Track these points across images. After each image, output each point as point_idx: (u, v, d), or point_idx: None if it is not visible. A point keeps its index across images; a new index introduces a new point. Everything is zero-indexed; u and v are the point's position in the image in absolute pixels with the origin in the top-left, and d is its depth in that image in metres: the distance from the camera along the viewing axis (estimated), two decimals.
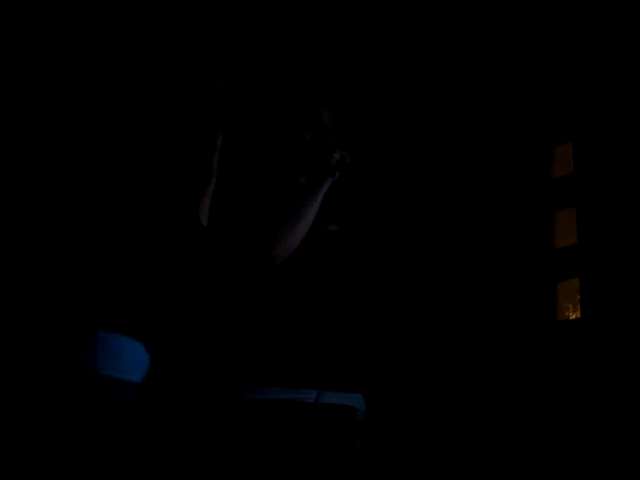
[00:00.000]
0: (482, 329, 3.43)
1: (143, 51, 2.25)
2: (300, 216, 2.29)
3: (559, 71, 3.37)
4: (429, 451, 3.42)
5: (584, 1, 3.28)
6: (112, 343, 2.04)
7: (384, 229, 3.50)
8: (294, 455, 2.26)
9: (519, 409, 3.25)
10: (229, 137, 3.15)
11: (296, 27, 3.53)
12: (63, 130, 2.83)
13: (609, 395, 2.98)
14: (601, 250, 3.12)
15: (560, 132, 3.39)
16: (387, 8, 3.60)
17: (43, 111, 2.93)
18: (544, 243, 3.36)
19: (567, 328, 3.25)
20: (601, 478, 2.92)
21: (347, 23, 3.60)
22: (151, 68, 2.21)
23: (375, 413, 2.57)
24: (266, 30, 3.48)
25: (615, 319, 3.02)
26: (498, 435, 3.28)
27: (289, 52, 3.48)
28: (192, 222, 2.18)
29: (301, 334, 2.31)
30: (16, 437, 2.17)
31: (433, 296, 3.56)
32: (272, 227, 2.27)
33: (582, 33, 3.29)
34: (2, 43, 2.96)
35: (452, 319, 3.51)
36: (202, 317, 2.79)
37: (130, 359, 2.07)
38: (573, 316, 3.26)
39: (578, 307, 3.22)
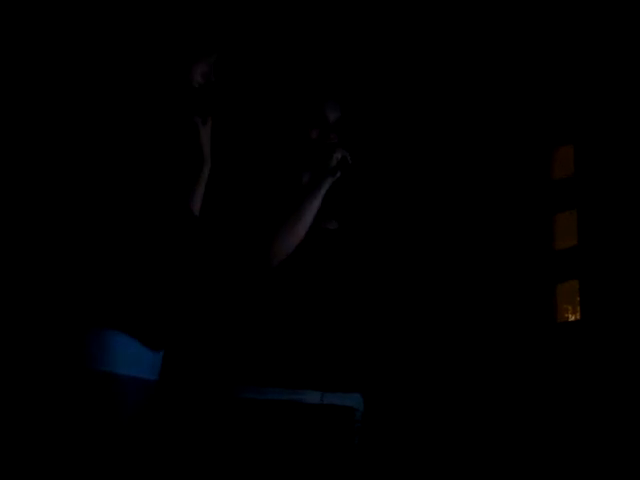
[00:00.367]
0: (482, 330, 3.43)
1: (135, 43, 2.23)
2: (299, 216, 2.28)
3: (560, 73, 3.37)
4: (427, 451, 3.42)
5: (585, 4, 3.28)
6: (111, 339, 2.04)
7: (384, 229, 3.50)
8: (292, 455, 2.26)
9: (518, 410, 3.25)
10: (231, 133, 3.15)
11: (304, 25, 3.53)
12: (52, 122, 2.82)
13: (608, 396, 2.98)
14: (601, 252, 3.12)
15: (561, 134, 3.39)
16: (390, 10, 3.60)
17: (34, 106, 2.93)
18: (544, 245, 3.36)
19: (566, 330, 3.25)
20: (601, 478, 2.92)
21: (354, 22, 3.60)
22: (141, 58, 2.19)
23: (374, 413, 2.57)
24: (274, 27, 3.48)
25: (614, 321, 3.03)
26: (497, 436, 3.28)
27: (296, 49, 3.48)
28: (184, 212, 2.17)
29: (300, 334, 2.30)
30: (15, 433, 2.17)
31: (433, 297, 3.56)
32: (271, 227, 2.26)
33: (583, 35, 3.29)
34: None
35: (452, 320, 3.51)
36: (202, 317, 2.79)
37: (130, 354, 2.06)
38: (572, 318, 3.26)
39: (578, 309, 3.23)
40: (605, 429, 2.96)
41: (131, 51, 2.24)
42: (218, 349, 2.43)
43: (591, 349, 3.08)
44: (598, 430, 2.99)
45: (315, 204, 2.30)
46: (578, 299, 3.22)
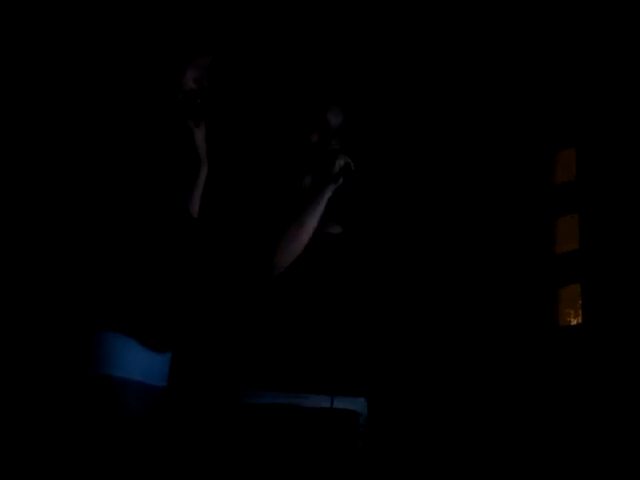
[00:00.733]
0: (484, 335, 3.43)
1: (129, 49, 2.25)
2: (303, 223, 2.29)
3: (562, 77, 3.37)
4: (431, 455, 3.42)
5: (586, 7, 3.28)
6: (115, 342, 2.04)
7: (387, 234, 3.50)
8: (295, 459, 2.26)
9: (521, 415, 3.25)
10: (234, 139, 3.16)
11: (306, 29, 3.53)
12: (50, 128, 2.83)
13: (610, 401, 2.98)
14: (603, 256, 3.12)
15: (563, 137, 3.39)
16: (391, 17, 3.60)
17: (34, 109, 2.93)
18: (546, 249, 3.36)
19: (569, 334, 3.25)
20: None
21: (356, 27, 3.60)
22: (134, 63, 2.21)
23: (377, 417, 2.57)
24: (276, 31, 3.48)
25: (616, 325, 3.03)
26: (500, 440, 3.28)
27: (298, 55, 3.48)
28: (183, 214, 2.18)
29: (304, 338, 2.31)
30: (18, 436, 2.18)
31: (435, 301, 3.56)
32: (275, 233, 2.27)
33: (585, 39, 3.29)
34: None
35: (454, 324, 3.51)
36: (208, 321, 2.79)
37: (135, 358, 2.06)
38: (574, 322, 3.26)
39: (580, 313, 3.22)
40: (608, 432, 2.96)
41: (125, 57, 2.25)
42: (223, 354, 2.44)
43: (593, 353, 3.08)
44: (601, 433, 2.98)
45: (318, 210, 2.30)
46: (580, 303, 3.21)
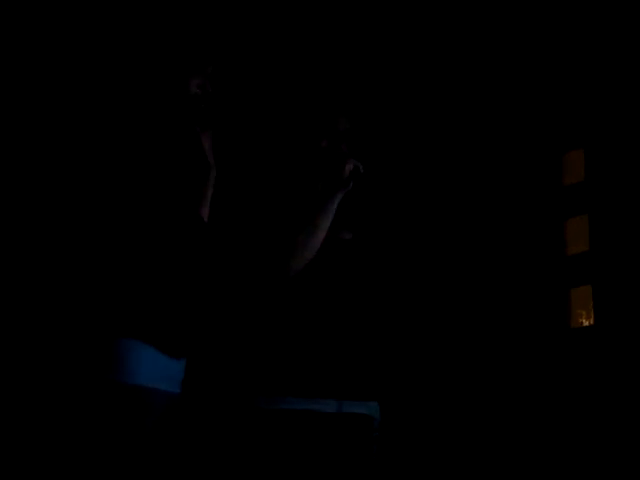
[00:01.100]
0: (497, 337, 3.43)
1: (132, 57, 2.27)
2: (314, 228, 2.29)
3: (570, 78, 3.37)
4: (444, 458, 3.42)
5: (596, 8, 3.28)
6: (133, 350, 2.05)
7: (398, 238, 3.50)
8: (311, 464, 2.26)
9: (536, 416, 3.24)
10: (243, 146, 3.17)
11: (314, 36, 3.54)
12: (58, 132, 2.85)
13: (623, 402, 2.97)
14: (613, 256, 3.11)
15: (571, 138, 3.39)
16: (399, 22, 3.61)
17: (38, 115, 2.95)
18: (556, 250, 3.36)
19: (581, 335, 3.24)
20: None
21: (363, 33, 3.61)
22: (138, 71, 2.23)
23: (390, 421, 2.57)
24: (285, 38, 3.49)
25: (629, 325, 3.02)
26: (513, 441, 3.28)
27: (306, 60, 3.49)
28: (194, 218, 2.20)
29: (316, 343, 2.31)
30: (38, 445, 2.18)
31: (447, 304, 3.56)
32: (285, 240, 2.27)
33: (593, 40, 3.29)
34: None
35: (467, 327, 3.51)
36: (219, 327, 2.80)
37: (153, 366, 2.07)
38: (587, 323, 3.25)
39: (591, 314, 3.22)
40: (620, 434, 2.95)
41: (129, 65, 2.28)
42: (237, 359, 2.44)
43: (606, 354, 3.07)
44: (613, 435, 2.98)
45: (329, 215, 2.30)
46: (592, 304, 3.21)
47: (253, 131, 3.26)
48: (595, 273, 3.19)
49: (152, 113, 2.17)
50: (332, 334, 2.34)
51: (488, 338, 3.45)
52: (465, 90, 3.68)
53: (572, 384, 3.16)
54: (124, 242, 2.08)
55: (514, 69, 3.56)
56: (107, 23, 3.04)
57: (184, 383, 2.21)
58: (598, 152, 3.25)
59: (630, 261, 3.05)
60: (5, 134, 2.94)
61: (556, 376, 3.22)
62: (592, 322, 3.21)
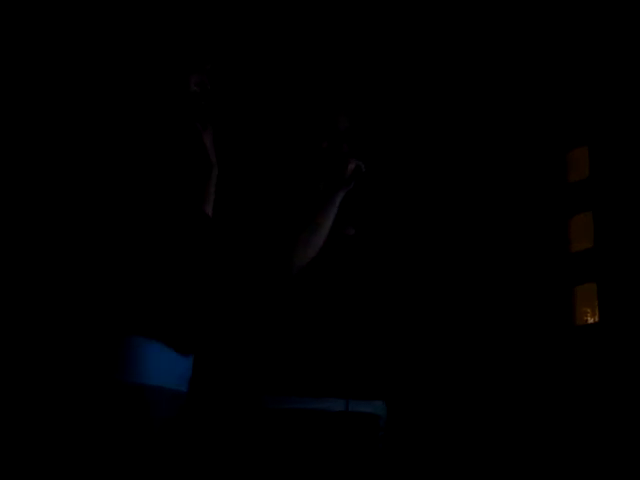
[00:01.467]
0: (501, 335, 3.42)
1: (131, 57, 2.28)
2: (317, 227, 2.29)
3: (574, 75, 3.37)
4: (449, 456, 3.42)
5: (600, 6, 3.28)
6: (140, 347, 2.05)
7: (402, 237, 3.50)
8: (316, 463, 2.26)
9: (540, 414, 3.24)
10: (245, 145, 3.17)
11: (315, 35, 3.54)
12: (59, 132, 2.86)
13: (628, 399, 2.96)
14: (618, 254, 3.11)
15: (576, 136, 3.38)
16: (401, 21, 3.61)
17: (38, 115, 2.96)
18: (560, 247, 3.35)
19: (586, 333, 3.24)
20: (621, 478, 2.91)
21: (364, 33, 3.61)
22: (138, 71, 2.25)
23: (396, 420, 2.57)
24: (285, 38, 3.49)
25: (633, 323, 3.01)
26: (518, 438, 3.28)
27: (307, 60, 3.49)
28: (199, 215, 2.21)
29: (321, 342, 2.31)
30: (45, 445, 2.19)
31: (452, 302, 3.56)
32: (288, 239, 2.27)
33: (597, 37, 3.29)
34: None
35: (471, 325, 3.51)
36: (224, 325, 2.80)
37: (161, 364, 2.07)
38: (591, 320, 3.25)
39: (596, 311, 3.21)
40: (625, 431, 2.95)
41: (129, 64, 2.29)
42: (241, 359, 2.44)
43: (611, 351, 3.07)
44: (618, 432, 2.97)
45: (331, 215, 2.31)
46: (596, 302, 3.20)
47: (255, 130, 3.26)
48: (600, 270, 3.19)
49: (152, 112, 2.18)
50: (337, 332, 2.34)
51: (493, 336, 3.44)
52: (469, 88, 3.68)
53: (577, 381, 3.16)
54: (129, 239, 2.09)
55: (518, 67, 3.55)
56: (106, 22, 3.05)
57: (191, 382, 2.22)
58: (602, 149, 3.24)
59: (634, 258, 3.04)
60: (4, 130, 2.95)
61: (561, 373, 3.21)
62: (597, 319, 3.21)
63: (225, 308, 2.66)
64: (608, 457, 2.98)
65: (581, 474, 3.06)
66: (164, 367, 2.08)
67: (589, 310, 3.26)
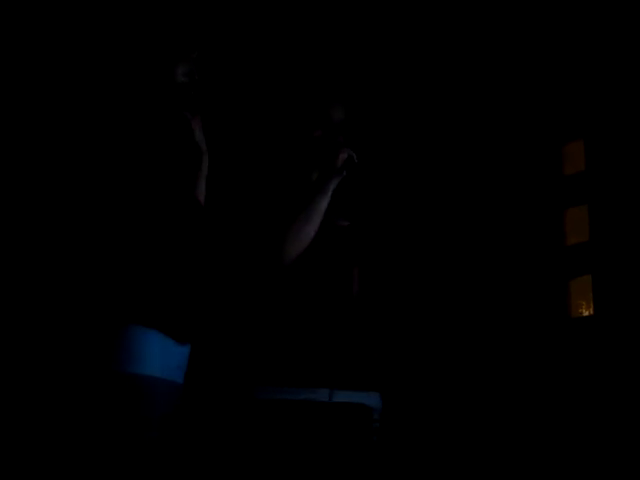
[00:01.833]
0: (496, 328, 3.43)
1: (124, 46, 2.29)
2: (307, 217, 2.29)
3: (570, 68, 3.37)
4: (446, 450, 3.42)
5: (596, 1, 3.28)
6: (137, 337, 2.05)
7: (396, 226, 3.50)
8: (308, 455, 2.26)
9: (534, 406, 3.24)
10: (238, 135, 3.17)
11: (307, 25, 3.54)
12: (53, 129, 2.87)
13: (623, 392, 2.97)
14: (613, 247, 3.11)
15: (571, 129, 3.38)
16: (398, 8, 3.61)
17: (31, 111, 2.97)
18: (555, 240, 3.36)
19: (581, 325, 3.24)
20: (617, 474, 2.91)
21: (357, 22, 3.61)
22: (126, 62, 2.25)
23: (393, 412, 2.57)
24: (278, 28, 3.49)
25: (628, 316, 3.02)
26: (513, 432, 3.28)
27: (300, 50, 3.49)
28: (191, 203, 2.21)
29: (314, 332, 2.31)
30: (42, 438, 2.19)
31: (446, 294, 3.56)
32: (280, 228, 2.27)
33: (592, 30, 3.28)
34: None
35: (466, 318, 3.51)
36: (214, 317, 2.80)
37: (158, 354, 2.07)
38: (586, 313, 3.25)
39: (591, 304, 3.22)
40: (620, 424, 2.95)
41: (115, 56, 2.29)
42: (232, 350, 2.44)
43: (606, 344, 3.07)
44: (613, 425, 2.98)
45: (323, 204, 2.31)
46: (591, 294, 3.21)
47: (248, 120, 3.26)
48: (595, 263, 3.19)
49: (141, 103, 2.19)
50: (329, 323, 2.34)
51: (488, 328, 3.45)
52: (464, 80, 3.68)
53: (572, 374, 3.16)
54: (124, 229, 2.09)
55: (514, 59, 3.55)
56: (91, 15, 3.06)
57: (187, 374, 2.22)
58: (598, 142, 3.24)
59: (630, 251, 3.04)
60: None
61: (556, 366, 3.21)
62: (592, 312, 3.21)
63: (217, 298, 2.66)
64: (604, 448, 2.98)
65: (576, 465, 3.06)
66: (161, 357, 2.08)
67: (584, 303, 3.27)
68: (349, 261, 2.44)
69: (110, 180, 2.11)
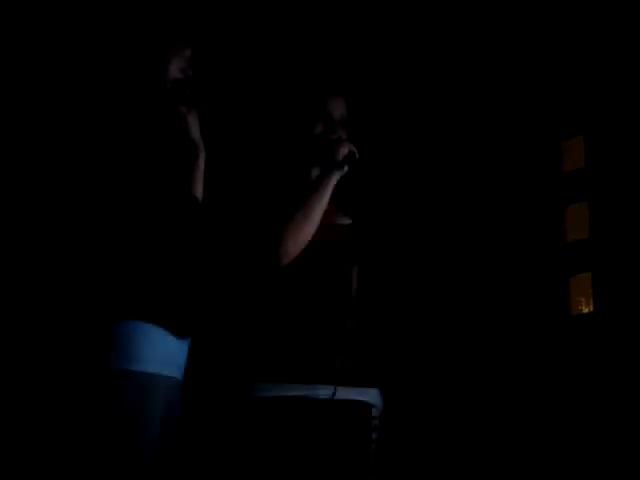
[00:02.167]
0: (496, 325, 3.42)
1: (118, 43, 2.28)
2: (307, 213, 2.27)
3: (570, 64, 3.36)
4: (446, 447, 3.42)
5: None
6: (133, 334, 2.04)
7: (397, 224, 3.50)
8: (307, 452, 2.25)
9: (535, 404, 3.24)
10: (238, 131, 3.16)
11: (308, 20, 3.53)
12: (50, 128, 2.86)
13: (623, 389, 2.96)
14: (613, 243, 3.11)
15: (571, 125, 3.37)
16: (400, 4, 3.60)
17: (29, 110, 2.96)
18: (555, 237, 3.35)
19: (580, 322, 3.24)
20: (617, 471, 2.91)
21: (358, 17, 3.60)
22: (120, 59, 2.25)
23: (394, 409, 2.56)
24: (279, 23, 3.48)
25: (628, 313, 3.01)
26: (512, 428, 3.28)
27: (301, 45, 3.49)
28: (187, 198, 2.20)
29: (313, 330, 2.30)
30: (42, 436, 2.18)
31: (447, 291, 3.56)
32: (280, 225, 2.26)
33: (591, 26, 3.28)
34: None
35: (466, 315, 3.51)
36: (214, 314, 2.80)
37: (158, 350, 2.07)
38: (586, 310, 3.25)
39: (591, 301, 3.21)
40: (620, 422, 2.95)
41: (110, 54, 2.29)
42: (231, 346, 2.44)
43: (605, 341, 3.07)
44: (613, 423, 2.97)
45: (324, 199, 2.29)
46: (591, 291, 3.20)
47: (247, 116, 3.25)
48: (595, 260, 3.19)
49: (135, 99, 2.18)
50: (330, 320, 2.33)
51: (488, 325, 3.44)
52: (464, 77, 3.67)
53: (571, 371, 3.16)
54: (122, 223, 2.09)
55: (514, 55, 3.55)
56: (87, 11, 3.05)
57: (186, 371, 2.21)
58: (598, 139, 3.24)
59: (630, 248, 3.04)
60: None
61: (556, 363, 3.21)
62: (591, 309, 3.21)
63: (216, 293, 2.65)
64: (604, 444, 2.98)
65: (576, 463, 3.06)
66: (160, 353, 2.08)
67: (584, 300, 3.26)
68: (349, 258, 2.43)
69: (106, 176, 2.10)
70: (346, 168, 2.30)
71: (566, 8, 3.36)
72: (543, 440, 3.19)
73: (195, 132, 2.26)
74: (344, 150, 2.29)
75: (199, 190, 2.28)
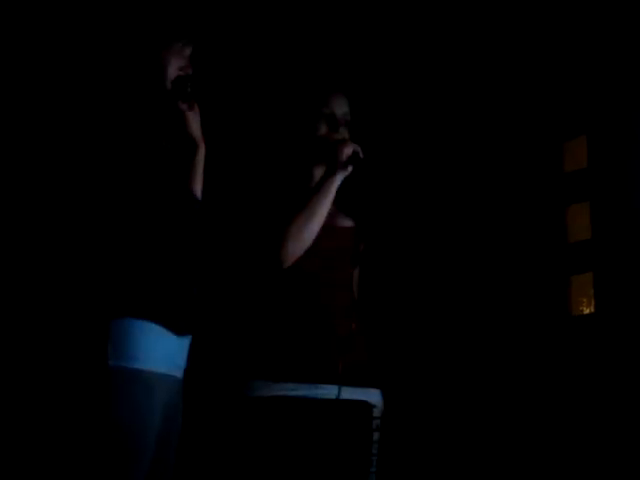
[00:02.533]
0: (497, 325, 3.43)
1: (118, 43, 2.28)
2: (311, 214, 2.26)
3: (572, 65, 3.36)
4: (447, 446, 3.42)
5: None
6: (133, 332, 2.04)
7: (399, 225, 3.50)
8: (309, 452, 2.25)
9: (536, 404, 3.24)
10: (242, 132, 3.16)
11: (311, 20, 3.53)
12: (52, 128, 2.87)
13: (624, 390, 2.97)
14: (614, 244, 3.11)
15: (574, 125, 3.37)
16: (402, 4, 3.60)
17: (30, 109, 2.97)
18: (557, 237, 3.35)
19: (581, 323, 3.24)
20: (617, 471, 2.91)
21: (360, 16, 3.60)
22: (124, 58, 2.25)
23: (395, 409, 2.56)
24: (283, 23, 3.48)
25: (629, 313, 3.02)
26: (513, 428, 3.28)
27: (304, 45, 3.48)
28: (187, 195, 2.20)
29: (314, 329, 2.30)
30: (44, 434, 2.18)
31: (449, 290, 3.56)
32: (284, 225, 2.25)
33: (593, 26, 3.28)
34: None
35: (468, 315, 3.51)
36: (214, 314, 2.80)
37: (159, 348, 2.06)
38: (587, 310, 3.25)
39: (592, 302, 3.21)
40: (621, 422, 2.95)
41: (110, 54, 2.29)
42: (233, 345, 2.43)
43: (606, 342, 3.07)
44: (614, 423, 2.98)
45: (327, 201, 2.28)
46: (592, 291, 3.20)
47: (250, 116, 3.25)
48: (596, 260, 3.19)
49: (136, 97, 2.18)
50: (332, 319, 2.32)
51: (489, 325, 3.45)
52: (466, 77, 3.67)
53: (572, 371, 3.16)
54: (121, 221, 2.09)
55: (516, 56, 3.55)
56: (87, 10, 3.05)
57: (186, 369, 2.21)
58: (600, 139, 3.23)
59: (631, 248, 3.04)
60: None
61: (556, 363, 3.21)
62: (593, 310, 3.21)
63: (218, 293, 2.65)
64: (604, 444, 2.98)
65: (577, 463, 3.07)
66: (159, 352, 2.07)
67: (585, 300, 3.26)
68: (352, 260, 2.42)
69: (107, 173, 2.10)
70: (350, 168, 2.29)
71: (568, 9, 3.36)
72: (544, 440, 3.19)
73: (196, 130, 2.25)
74: (348, 150, 2.28)
75: (198, 188, 2.27)
